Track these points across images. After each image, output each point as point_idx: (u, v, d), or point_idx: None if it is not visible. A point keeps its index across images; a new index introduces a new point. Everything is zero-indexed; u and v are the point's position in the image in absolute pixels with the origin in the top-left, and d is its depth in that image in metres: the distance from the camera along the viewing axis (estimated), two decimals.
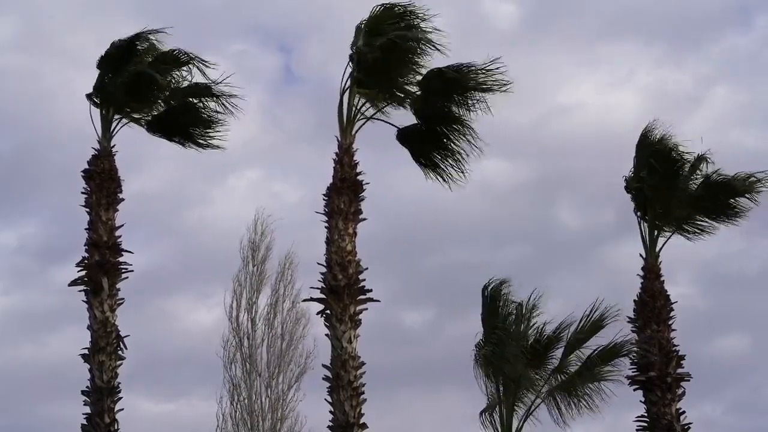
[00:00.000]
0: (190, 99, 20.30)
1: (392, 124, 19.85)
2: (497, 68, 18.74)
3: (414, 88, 19.45)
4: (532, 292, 19.31)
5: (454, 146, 19.61)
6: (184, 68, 20.04)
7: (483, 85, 18.95)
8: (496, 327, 19.04)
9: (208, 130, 20.53)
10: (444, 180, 19.95)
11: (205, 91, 20.10)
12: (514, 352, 18.41)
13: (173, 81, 20.12)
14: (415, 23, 19.15)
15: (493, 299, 19.39)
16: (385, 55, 18.86)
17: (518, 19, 46.38)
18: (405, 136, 19.84)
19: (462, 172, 19.80)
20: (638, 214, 21.21)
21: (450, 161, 19.81)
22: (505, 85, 18.81)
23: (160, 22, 19.68)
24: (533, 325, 19.36)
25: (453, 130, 19.53)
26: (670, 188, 20.98)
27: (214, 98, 20.09)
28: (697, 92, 46.55)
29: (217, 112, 20.26)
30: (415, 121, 19.74)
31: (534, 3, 47.01)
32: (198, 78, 19.99)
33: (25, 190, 42.87)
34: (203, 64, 19.84)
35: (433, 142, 19.74)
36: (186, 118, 20.43)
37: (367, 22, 19.23)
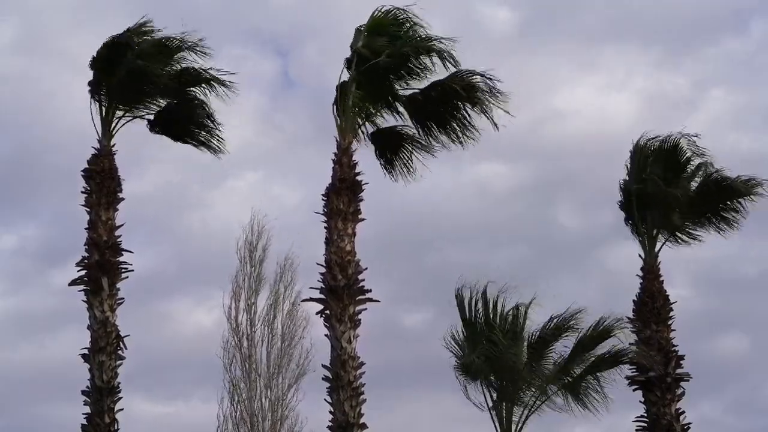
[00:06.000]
0: (189, 93, 20.03)
1: (383, 126, 20.00)
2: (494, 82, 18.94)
3: (409, 92, 19.58)
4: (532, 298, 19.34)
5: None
6: (179, 56, 19.72)
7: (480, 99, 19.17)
8: (493, 329, 19.02)
9: (209, 128, 20.39)
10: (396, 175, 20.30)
11: (198, 76, 19.75)
12: (515, 352, 18.41)
13: (169, 71, 19.73)
14: (415, 29, 19.21)
15: (484, 302, 19.33)
16: (383, 58, 18.95)
17: (515, 23, 46.44)
18: (376, 136, 20.10)
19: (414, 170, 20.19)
20: (636, 216, 21.20)
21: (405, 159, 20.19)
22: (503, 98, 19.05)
23: (158, 25, 19.51)
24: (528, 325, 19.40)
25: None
26: (671, 187, 21.01)
27: (208, 83, 19.74)
28: (693, 95, 46.66)
29: (210, 116, 20.16)
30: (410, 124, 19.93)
31: (530, 7, 47.06)
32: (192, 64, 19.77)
33: (24, 192, 42.82)
34: (197, 49, 19.51)
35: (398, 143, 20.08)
36: (187, 115, 20.24)
37: (367, 25, 19.30)
